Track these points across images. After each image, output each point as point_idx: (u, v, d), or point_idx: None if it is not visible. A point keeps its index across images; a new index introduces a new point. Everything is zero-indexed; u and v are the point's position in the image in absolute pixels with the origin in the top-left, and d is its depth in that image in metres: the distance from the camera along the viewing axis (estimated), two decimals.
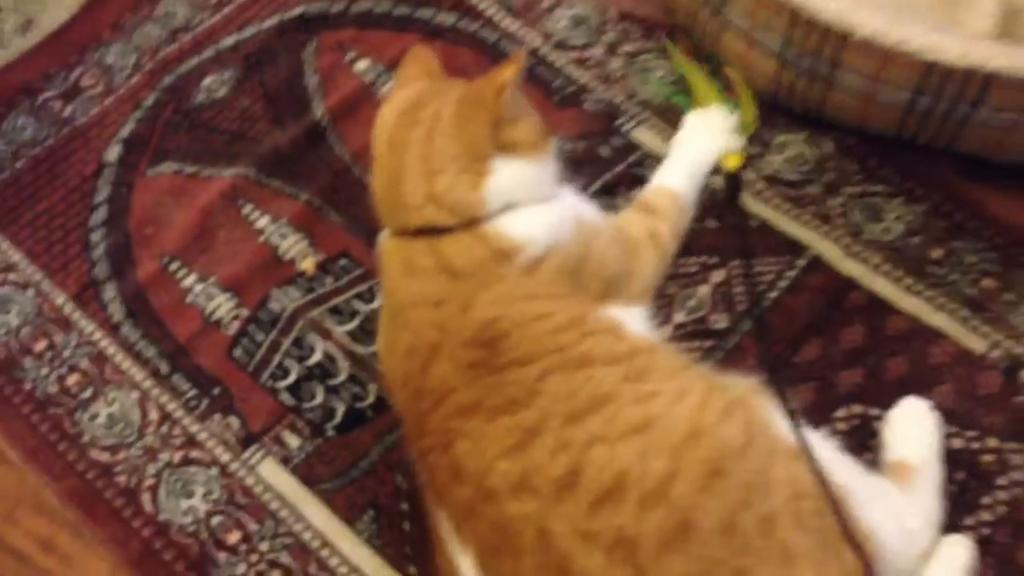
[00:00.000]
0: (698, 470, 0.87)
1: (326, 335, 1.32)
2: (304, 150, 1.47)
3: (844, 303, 1.25)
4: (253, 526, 1.21)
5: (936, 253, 1.28)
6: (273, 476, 1.24)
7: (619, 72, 1.47)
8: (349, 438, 1.25)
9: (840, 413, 1.18)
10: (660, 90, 1.44)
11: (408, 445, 1.06)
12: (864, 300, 1.25)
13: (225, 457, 1.26)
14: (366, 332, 1.31)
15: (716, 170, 1.32)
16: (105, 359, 1.35)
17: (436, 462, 0.96)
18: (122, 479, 1.26)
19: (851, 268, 1.28)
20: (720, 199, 1.32)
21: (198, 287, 1.38)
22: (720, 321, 1.26)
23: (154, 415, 1.30)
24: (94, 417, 1.31)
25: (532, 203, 1.05)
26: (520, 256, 1.02)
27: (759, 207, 1.33)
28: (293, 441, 1.26)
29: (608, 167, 1.39)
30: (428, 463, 0.98)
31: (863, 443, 1.13)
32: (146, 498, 1.24)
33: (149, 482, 1.25)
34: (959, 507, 1.10)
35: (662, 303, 1.26)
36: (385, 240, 1.10)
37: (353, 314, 1.33)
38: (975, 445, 1.14)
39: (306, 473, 1.23)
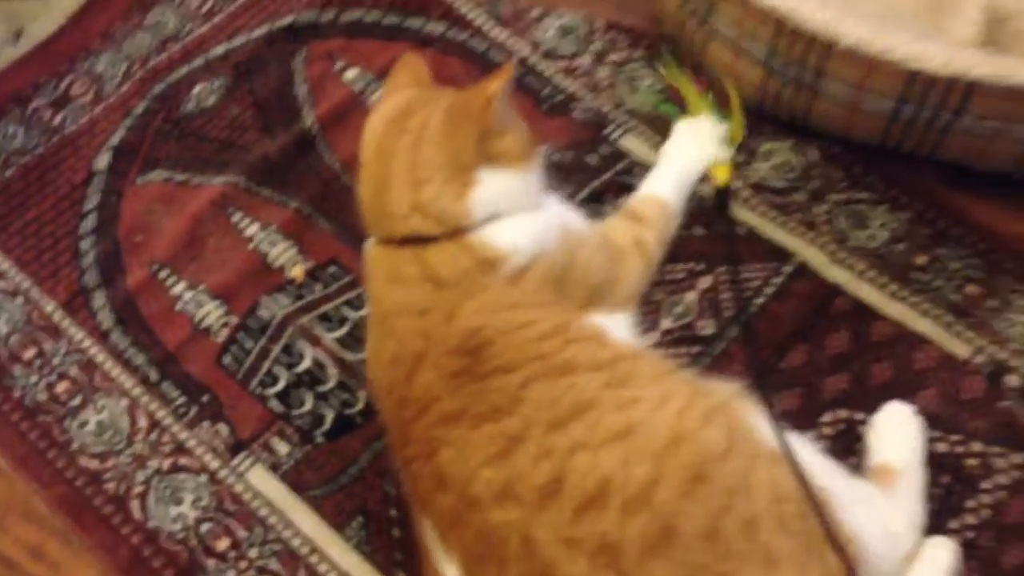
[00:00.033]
0: (680, 475, 0.88)
1: (315, 342, 1.33)
2: (294, 158, 1.48)
3: (830, 309, 1.26)
4: (242, 533, 1.22)
5: (920, 260, 1.29)
6: (262, 483, 1.24)
7: (607, 81, 1.48)
8: (338, 445, 1.25)
9: (826, 418, 1.18)
10: (648, 99, 1.45)
11: (392, 454, 1.06)
12: (849, 306, 1.26)
13: (214, 464, 1.26)
14: (355, 339, 1.31)
15: (704, 178, 1.34)
16: (94, 367, 1.35)
17: (420, 470, 0.96)
18: (111, 486, 1.26)
19: (836, 275, 1.28)
20: (708, 207, 1.33)
21: (187, 295, 1.38)
22: (707, 327, 1.27)
23: (143, 422, 1.30)
24: (83, 424, 1.31)
25: (517, 213, 1.05)
26: (505, 265, 1.03)
27: (746, 214, 1.34)
28: (282, 448, 1.26)
29: (596, 175, 1.39)
30: (412, 472, 0.98)
31: (849, 448, 1.14)
32: (135, 505, 1.25)
33: (138, 489, 1.25)
34: (944, 511, 1.10)
35: (649, 309, 1.27)
36: (371, 248, 1.10)
37: (342, 321, 1.34)
38: (959, 449, 1.15)
39: (295, 480, 1.24)
